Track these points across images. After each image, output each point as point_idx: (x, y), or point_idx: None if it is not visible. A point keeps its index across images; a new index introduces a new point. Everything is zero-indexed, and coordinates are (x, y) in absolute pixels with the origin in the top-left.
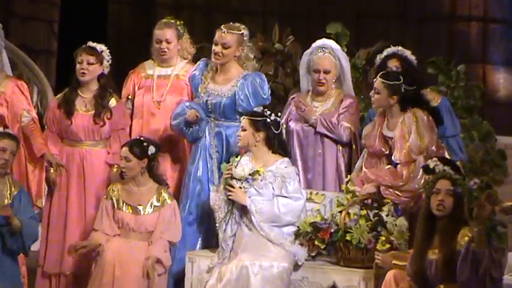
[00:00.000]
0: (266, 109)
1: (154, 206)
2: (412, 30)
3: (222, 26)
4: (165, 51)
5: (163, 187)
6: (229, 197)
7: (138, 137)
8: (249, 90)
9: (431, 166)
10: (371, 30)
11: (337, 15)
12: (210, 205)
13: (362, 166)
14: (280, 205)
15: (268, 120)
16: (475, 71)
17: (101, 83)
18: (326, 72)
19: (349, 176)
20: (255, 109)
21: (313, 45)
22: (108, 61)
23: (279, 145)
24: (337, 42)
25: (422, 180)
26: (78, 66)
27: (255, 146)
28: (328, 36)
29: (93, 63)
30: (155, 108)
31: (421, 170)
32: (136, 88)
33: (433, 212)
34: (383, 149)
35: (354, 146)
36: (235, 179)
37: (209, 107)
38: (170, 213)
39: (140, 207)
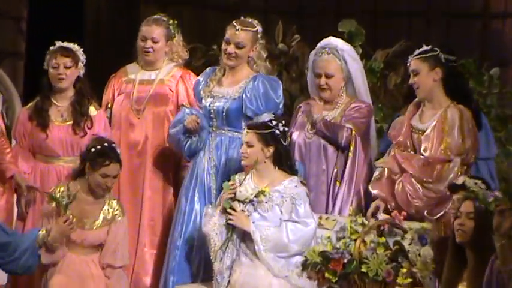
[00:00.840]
0: (273, 118)
1: (104, 219)
2: (437, 29)
3: (234, 22)
4: (149, 51)
5: (114, 198)
6: (230, 222)
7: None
8: (258, 92)
9: (459, 182)
10: (390, 29)
11: (351, 11)
12: (203, 231)
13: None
14: (289, 231)
15: (277, 131)
16: (510, 75)
17: (77, 89)
18: (328, 76)
19: (350, 208)
20: (261, 118)
21: (318, 44)
22: (83, 62)
23: (287, 161)
24: (350, 42)
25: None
26: (53, 71)
27: (264, 162)
28: (341, 36)
29: (70, 67)
30: (134, 118)
31: (453, 173)
32: (116, 94)
33: (456, 239)
34: (407, 142)
35: (350, 154)
36: (238, 200)
37: (211, 111)
38: (123, 231)
39: (86, 221)
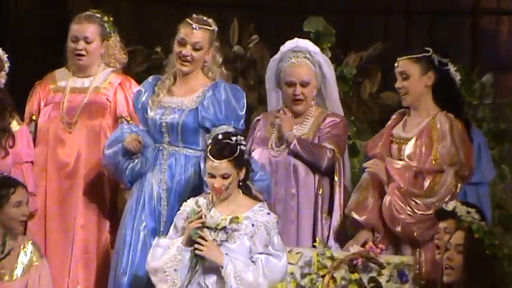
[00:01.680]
0: (232, 132)
1: (24, 267)
2: (420, 29)
3: (189, 20)
4: (81, 55)
5: (28, 239)
6: (199, 253)
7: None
8: (218, 99)
9: (449, 208)
10: (364, 28)
11: (319, 7)
12: (152, 266)
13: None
14: (265, 269)
15: (243, 147)
16: (506, 83)
17: None
18: (304, 84)
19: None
20: (219, 131)
21: (282, 48)
22: (5, 71)
23: (252, 183)
24: (317, 43)
25: (440, 201)
26: None
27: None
28: (306, 36)
29: None
30: (65, 133)
31: (445, 185)
32: (42, 104)
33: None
34: (384, 154)
35: (336, 178)
36: (208, 227)
37: (163, 126)
38: (44, 275)
39: (4, 272)
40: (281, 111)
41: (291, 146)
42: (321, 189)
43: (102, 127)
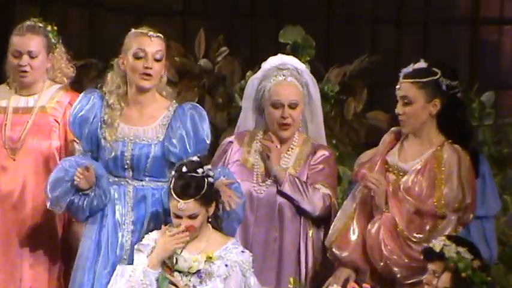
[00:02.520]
0: (198, 163)
1: None
2: (411, 39)
3: (139, 30)
4: (25, 71)
5: None
6: None
7: None
8: (186, 130)
9: (437, 248)
10: (349, 39)
11: (297, 16)
12: None
13: None
14: None
15: (211, 179)
16: (508, 102)
17: None
18: (292, 106)
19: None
20: (184, 169)
21: (265, 65)
22: None
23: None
24: (295, 57)
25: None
26: None
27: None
28: (282, 49)
29: None
30: (7, 159)
31: (445, 233)
32: None
33: None
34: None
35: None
36: (178, 271)
37: (125, 161)
38: None
39: None
40: (265, 136)
41: (281, 186)
42: (311, 231)
43: (50, 152)
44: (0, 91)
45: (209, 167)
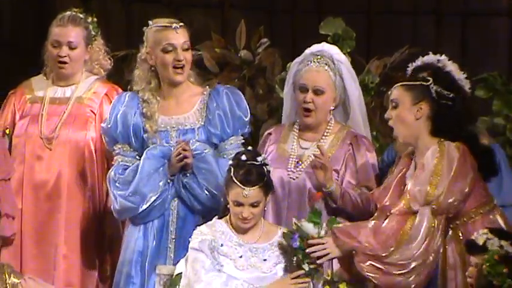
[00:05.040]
0: (249, 152)
1: None
2: (451, 32)
3: (163, 23)
4: (65, 62)
5: (2, 264)
6: (319, 261)
7: None
8: (222, 110)
9: (480, 241)
10: (390, 31)
11: (338, 8)
12: None
13: None
14: None
15: (269, 167)
16: None
17: None
18: (317, 92)
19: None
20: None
21: (307, 50)
22: None
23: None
24: None
25: (421, 249)
26: None
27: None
28: (323, 40)
29: None
30: (44, 149)
31: (422, 230)
32: (17, 117)
33: None
34: (391, 205)
35: None
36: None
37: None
38: None
39: None
40: (291, 136)
41: (337, 203)
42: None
43: (86, 143)
44: (37, 81)
45: (265, 156)
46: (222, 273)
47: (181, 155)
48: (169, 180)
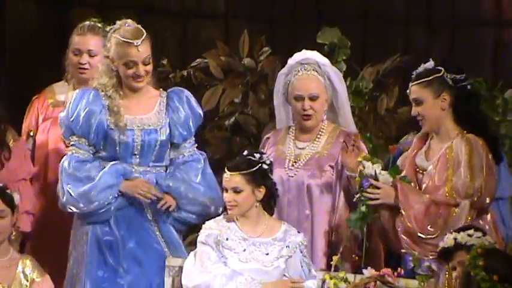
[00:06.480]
0: (248, 151)
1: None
2: (440, 40)
3: (126, 39)
4: (85, 68)
5: (27, 256)
6: (373, 203)
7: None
8: (186, 111)
9: (448, 244)
10: (382, 40)
11: (334, 18)
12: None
13: None
14: None
15: (265, 166)
16: None
17: None
18: (313, 98)
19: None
20: (245, 152)
21: (290, 61)
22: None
23: (275, 201)
24: (332, 56)
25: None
26: None
27: (255, 207)
28: (320, 48)
29: None
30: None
31: (461, 220)
32: (40, 120)
33: None
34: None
35: None
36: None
37: (137, 147)
38: None
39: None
40: (288, 139)
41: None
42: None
43: None
44: (59, 86)
45: (267, 157)
46: (227, 267)
47: (165, 205)
48: (117, 195)
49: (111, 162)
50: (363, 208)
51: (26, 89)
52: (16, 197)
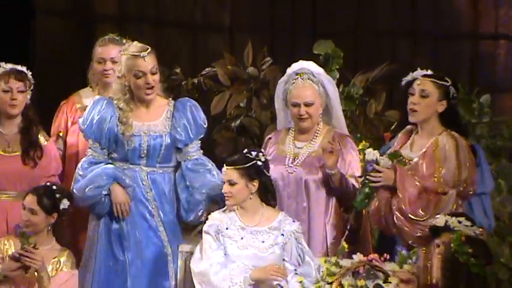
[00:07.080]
0: (248, 150)
1: (53, 271)
2: (423, 51)
3: (133, 50)
4: (109, 73)
5: (67, 250)
6: (375, 185)
7: (48, 185)
8: (187, 119)
9: (440, 224)
10: (371, 51)
11: (329, 31)
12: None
13: None
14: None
15: (259, 162)
16: (502, 103)
17: (26, 115)
18: (308, 105)
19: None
20: (245, 151)
21: (289, 70)
22: (31, 87)
23: (273, 194)
24: (327, 65)
25: (442, 220)
26: (3, 95)
27: (250, 199)
28: (316, 59)
29: (23, 91)
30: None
31: (447, 207)
32: (69, 123)
33: None
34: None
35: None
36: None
37: (143, 151)
38: (72, 284)
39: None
40: (288, 139)
41: (333, 184)
42: (333, 199)
43: None
44: (85, 92)
45: (263, 155)
46: (222, 256)
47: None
48: (105, 193)
49: (103, 166)
50: (367, 189)
51: (54, 95)
52: (64, 202)
